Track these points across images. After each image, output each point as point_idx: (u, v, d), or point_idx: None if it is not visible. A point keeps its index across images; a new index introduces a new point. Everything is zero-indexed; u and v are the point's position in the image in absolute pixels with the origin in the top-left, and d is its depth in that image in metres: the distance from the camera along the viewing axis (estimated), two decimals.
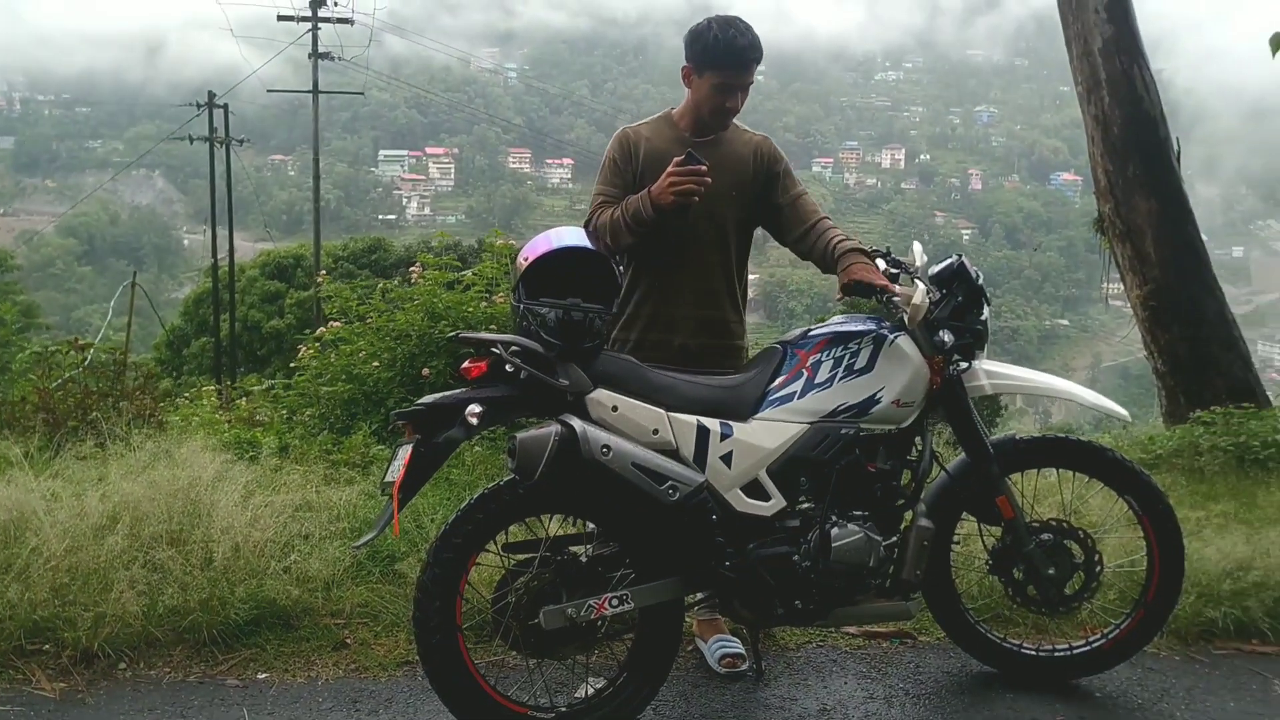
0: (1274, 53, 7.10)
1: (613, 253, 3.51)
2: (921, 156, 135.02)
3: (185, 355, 35.23)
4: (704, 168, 3.34)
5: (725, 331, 3.77)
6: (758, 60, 3.57)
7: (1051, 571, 3.62)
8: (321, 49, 29.28)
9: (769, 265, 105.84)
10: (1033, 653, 3.78)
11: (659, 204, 3.39)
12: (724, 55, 3.51)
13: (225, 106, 29.91)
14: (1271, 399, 7.82)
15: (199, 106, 29.71)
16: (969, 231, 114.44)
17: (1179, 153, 8.25)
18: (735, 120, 3.75)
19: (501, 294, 6.64)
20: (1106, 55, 8.14)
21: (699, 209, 3.48)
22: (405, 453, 3.02)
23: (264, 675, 3.65)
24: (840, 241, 3.60)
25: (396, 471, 3.01)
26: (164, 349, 35.87)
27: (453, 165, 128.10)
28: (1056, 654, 3.77)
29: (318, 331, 7.23)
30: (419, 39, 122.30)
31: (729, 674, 3.72)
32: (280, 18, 29.61)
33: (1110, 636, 3.73)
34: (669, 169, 3.36)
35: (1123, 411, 3.87)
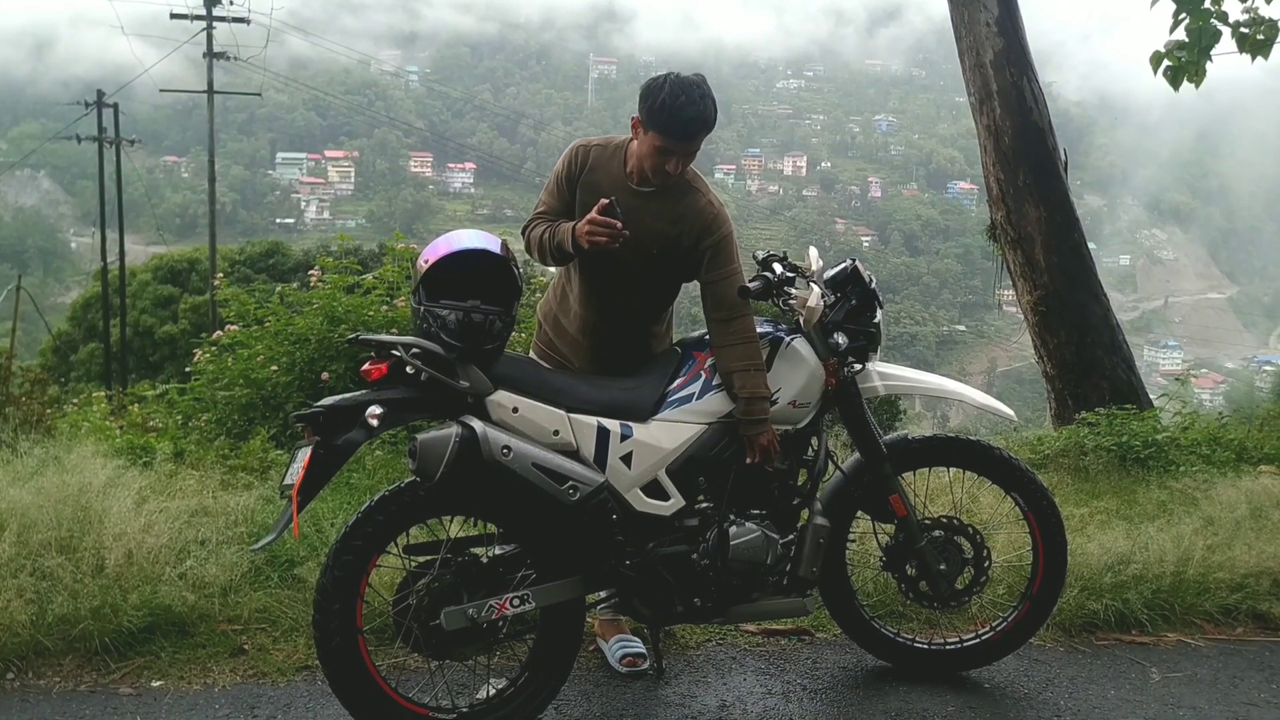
0: (1155, 70, 7.42)
1: (541, 262, 3.66)
2: (822, 164, 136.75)
3: (73, 361, 34.16)
4: (618, 224, 3.31)
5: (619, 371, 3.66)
6: (705, 132, 3.42)
7: (942, 567, 3.74)
8: (218, 48, 28.69)
9: None
10: (925, 646, 3.90)
11: (577, 243, 3.40)
12: (668, 122, 3.34)
13: (115, 106, 29.11)
14: (1156, 401, 8.11)
15: (87, 105, 28.87)
16: (869, 238, 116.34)
17: (1066, 163, 8.53)
18: (698, 179, 3.61)
19: (403, 297, 6.60)
20: (997, 67, 8.38)
21: (620, 252, 3.43)
22: (304, 455, 3.01)
23: (158, 683, 3.59)
24: (732, 369, 3.44)
25: (295, 474, 2.99)
26: (50, 355, 34.74)
27: (353, 169, 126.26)
28: (947, 647, 3.89)
29: (214, 335, 7.10)
30: (319, 40, 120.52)
31: (630, 673, 3.75)
32: (173, 15, 28.92)
33: (998, 629, 3.86)
34: (590, 214, 3.34)
35: (1009, 412, 4.01)
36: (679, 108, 3.32)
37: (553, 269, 3.90)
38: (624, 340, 3.70)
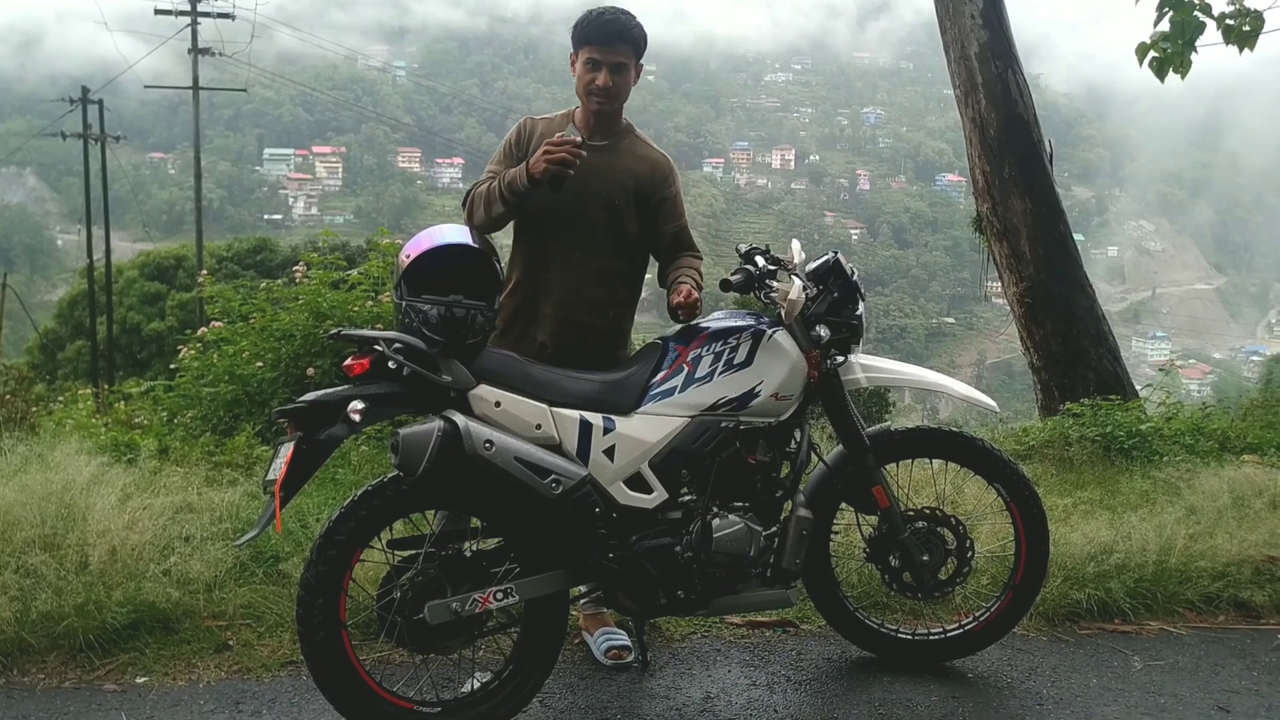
0: (1140, 61, 7.44)
1: (487, 226, 3.57)
2: (811, 157, 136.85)
3: (60, 359, 34.06)
4: (578, 139, 3.40)
5: (591, 337, 3.73)
6: (628, 39, 3.62)
7: (925, 558, 3.75)
8: (203, 44, 28.59)
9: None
10: (909, 637, 3.91)
11: (532, 172, 3.41)
12: (591, 28, 3.59)
13: (100, 102, 28.98)
14: (1141, 392, 8.14)
15: (72, 102, 28.74)
16: (857, 231, 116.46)
17: (1051, 155, 8.56)
18: (642, 133, 3.82)
19: (387, 293, 6.59)
20: (982, 60, 8.41)
21: (575, 210, 3.58)
22: (287, 450, 3.00)
23: (143, 679, 3.59)
24: (675, 270, 3.77)
25: (278, 469, 2.99)
26: (37, 353, 34.61)
27: (340, 164, 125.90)
28: (931, 637, 3.91)
29: (199, 332, 7.09)
30: (306, 35, 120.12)
31: (615, 665, 3.76)
32: (158, 11, 28.82)
33: (981, 619, 3.88)
34: (546, 141, 3.42)
35: (991, 403, 4.02)
36: (599, 14, 3.59)
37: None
38: (597, 310, 3.72)
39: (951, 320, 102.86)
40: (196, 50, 28.35)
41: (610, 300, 3.76)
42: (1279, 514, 5.12)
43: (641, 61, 3.74)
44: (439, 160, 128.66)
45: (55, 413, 7.70)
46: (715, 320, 3.57)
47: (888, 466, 3.78)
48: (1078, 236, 9.12)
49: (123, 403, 8.58)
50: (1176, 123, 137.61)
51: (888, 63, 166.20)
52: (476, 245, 3.27)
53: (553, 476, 3.09)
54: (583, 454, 3.24)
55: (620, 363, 3.60)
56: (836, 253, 3.70)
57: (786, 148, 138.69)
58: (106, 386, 16.21)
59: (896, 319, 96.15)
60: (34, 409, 6.71)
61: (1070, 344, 8.15)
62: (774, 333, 3.51)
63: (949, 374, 4.11)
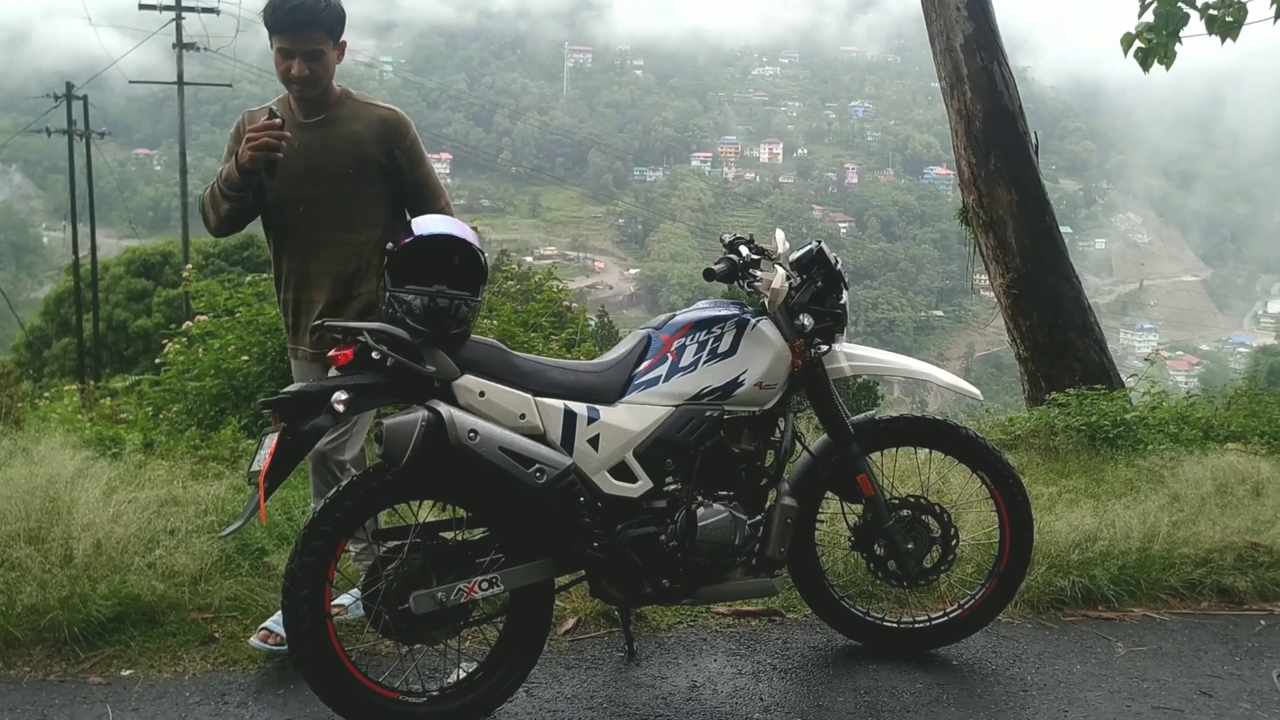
0: (1125, 52, 7.46)
1: (221, 227, 3.61)
2: (799, 151, 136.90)
3: (46, 357, 33.86)
4: (279, 121, 3.35)
5: (348, 314, 3.67)
6: (319, 25, 3.47)
7: (910, 546, 3.77)
8: (188, 39, 28.48)
9: (650, 260, 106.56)
10: (894, 625, 3.93)
11: (241, 165, 3.38)
12: (278, 16, 3.46)
13: (85, 98, 28.86)
14: (1126, 382, 8.17)
15: (56, 98, 28.61)
16: (846, 224, 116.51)
17: (1037, 146, 8.58)
18: (362, 95, 3.74)
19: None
20: (968, 52, 8.42)
21: (310, 192, 3.56)
22: (271, 441, 3.00)
23: (128, 672, 3.58)
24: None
25: (262, 460, 2.99)
26: (23, 350, 34.42)
27: None
28: (916, 625, 3.92)
29: (184, 326, 7.08)
30: None
31: (260, 647, 3.63)
32: (142, 6, 28.69)
33: (966, 607, 3.89)
34: (249, 129, 3.39)
35: (975, 391, 4.04)
36: (281, 2, 3.44)
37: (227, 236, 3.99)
38: (363, 282, 3.65)
39: (940, 313, 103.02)
40: (181, 45, 28.25)
41: (372, 270, 3.60)
42: (1261, 501, 5.15)
43: (344, 39, 3.61)
44: (427, 155, 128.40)
45: (41, 408, 7.67)
46: (699, 309, 3.58)
47: (872, 455, 3.80)
48: (1065, 229, 9.13)
49: (108, 399, 8.56)
50: (1164, 115, 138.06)
51: (875, 56, 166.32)
52: (460, 236, 3.27)
53: (537, 466, 3.10)
54: (567, 443, 3.25)
55: (605, 353, 3.59)
56: (820, 241, 3.71)
57: (774, 142, 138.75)
58: (93, 383, 16.16)
59: (885, 312, 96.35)
60: (19, 404, 6.69)
61: (1056, 335, 8.18)
62: (758, 322, 3.52)
63: (937, 366, 4.12)
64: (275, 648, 3.59)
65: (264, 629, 3.66)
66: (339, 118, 3.63)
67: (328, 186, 3.58)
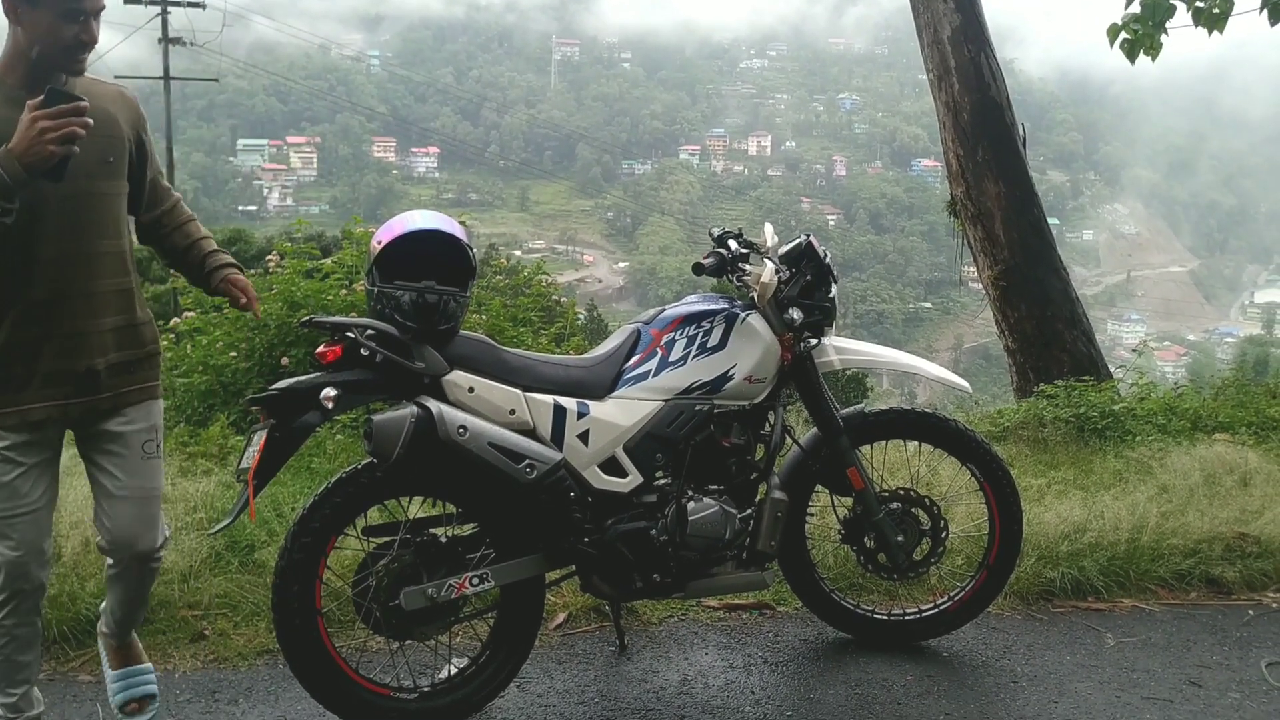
0: (1111, 43, 7.47)
1: None
2: (787, 143, 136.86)
3: None
4: (84, 103, 2.56)
5: (139, 338, 3.02)
6: None
7: (900, 539, 3.78)
8: (174, 33, 28.38)
9: (638, 253, 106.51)
10: (884, 617, 3.94)
11: (30, 162, 2.52)
12: None
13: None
14: (1114, 373, 8.20)
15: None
16: (834, 217, 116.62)
17: (1025, 138, 8.60)
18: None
19: (361, 282, 6.57)
20: (955, 44, 8.43)
21: (66, 188, 2.70)
22: (260, 438, 3.00)
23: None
24: (209, 249, 3.22)
25: (251, 457, 2.98)
26: None
27: (315, 154, 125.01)
28: (907, 618, 3.94)
29: (171, 323, 7.05)
30: (279, 24, 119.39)
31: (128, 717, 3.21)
32: (127, 0, 28.56)
33: (956, 599, 3.91)
34: (27, 116, 2.52)
35: (964, 383, 4.05)
36: None
37: None
38: (116, 309, 2.94)
39: (928, 305, 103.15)
40: (167, 39, 28.20)
41: (127, 291, 2.99)
42: (1249, 491, 5.17)
43: None
44: (414, 149, 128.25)
45: None
46: (688, 304, 3.57)
47: (862, 448, 3.80)
48: (1052, 220, 9.16)
49: None
50: (1151, 107, 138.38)
51: (863, 48, 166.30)
52: (448, 231, 3.26)
53: (527, 461, 3.09)
54: (557, 439, 3.25)
55: (595, 348, 3.59)
56: (809, 235, 3.71)
57: (762, 134, 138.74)
58: None
59: (874, 304, 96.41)
60: None
61: (1045, 326, 8.20)
62: (747, 316, 3.52)
63: (925, 358, 4.13)
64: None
65: (134, 701, 3.20)
66: (80, 92, 2.70)
67: (84, 182, 2.75)
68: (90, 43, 2.74)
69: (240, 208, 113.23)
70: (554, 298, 9.12)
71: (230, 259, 3.27)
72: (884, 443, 3.93)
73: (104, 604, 3.24)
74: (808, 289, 3.62)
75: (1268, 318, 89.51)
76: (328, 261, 6.87)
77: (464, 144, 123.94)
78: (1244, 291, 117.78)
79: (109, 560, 3.06)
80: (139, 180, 3.02)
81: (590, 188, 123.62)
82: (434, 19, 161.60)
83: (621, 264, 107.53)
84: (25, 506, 2.81)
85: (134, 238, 3.14)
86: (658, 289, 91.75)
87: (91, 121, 2.58)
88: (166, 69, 28.01)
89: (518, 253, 66.83)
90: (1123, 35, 7.38)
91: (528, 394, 3.24)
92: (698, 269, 3.50)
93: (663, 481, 3.44)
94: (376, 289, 3.16)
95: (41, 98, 2.53)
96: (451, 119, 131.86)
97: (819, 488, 3.84)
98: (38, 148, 2.52)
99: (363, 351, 3.08)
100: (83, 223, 2.81)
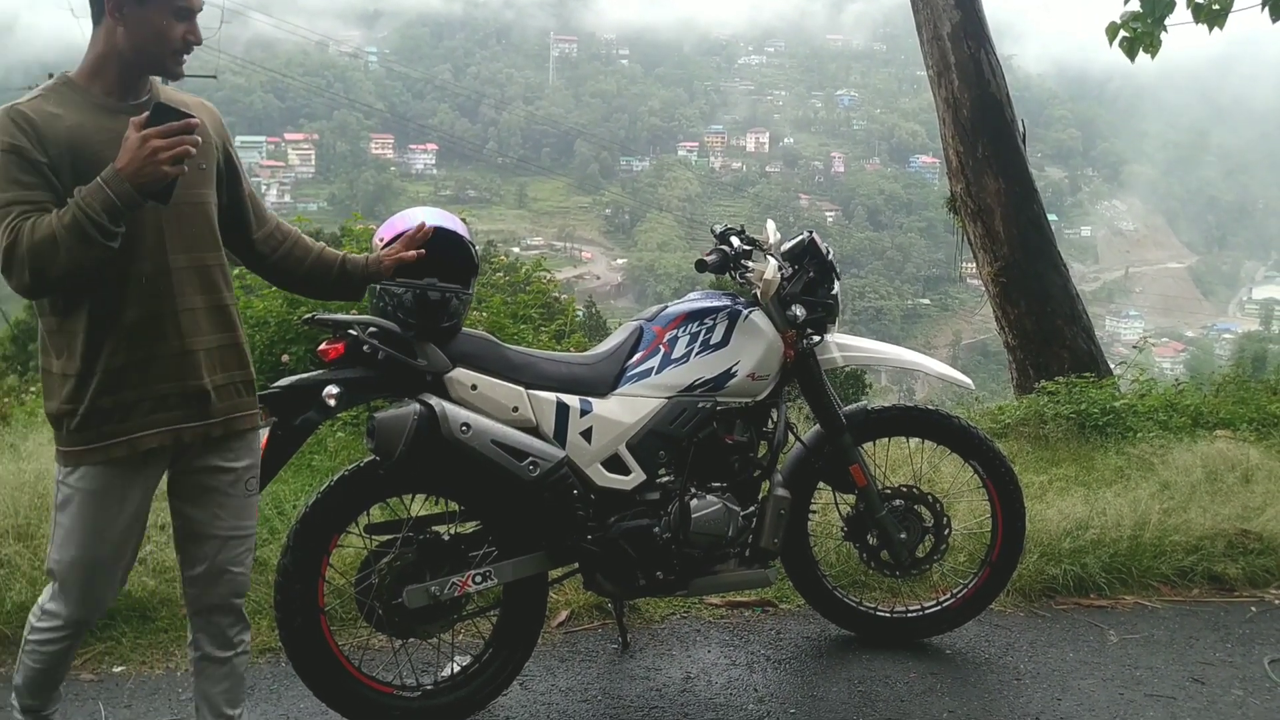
0: (1110, 42, 7.46)
1: (60, 280, 2.39)
2: (785, 140, 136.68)
3: (31, 350, 33.65)
4: (195, 119, 2.38)
5: (242, 359, 2.76)
6: None
7: (903, 536, 3.78)
8: None
9: (637, 250, 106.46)
10: (887, 615, 3.94)
11: (142, 183, 2.32)
12: None
13: None
14: (1115, 370, 8.19)
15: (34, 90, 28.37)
16: (832, 213, 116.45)
17: (1025, 134, 8.59)
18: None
19: None
20: (955, 40, 8.41)
21: (189, 191, 2.55)
22: (262, 436, 2.99)
23: (120, 668, 3.58)
24: (337, 253, 3.03)
25: None
26: (8, 344, 34.19)
27: (313, 151, 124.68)
28: (909, 615, 3.94)
29: None
30: (277, 21, 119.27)
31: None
32: None
33: (959, 595, 3.91)
34: (134, 134, 2.32)
35: (967, 380, 4.04)
36: None
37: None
38: (211, 322, 2.66)
39: (927, 301, 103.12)
40: None
41: (228, 308, 2.72)
42: (1251, 488, 5.17)
43: None
44: (412, 146, 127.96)
45: (27, 403, 7.62)
46: (691, 300, 3.57)
47: (865, 445, 3.80)
48: (1051, 217, 9.14)
49: None
50: (1150, 103, 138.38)
51: (862, 45, 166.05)
52: (450, 228, 3.25)
53: (530, 459, 3.09)
54: (560, 436, 3.24)
55: (597, 346, 3.58)
56: (811, 232, 3.70)
57: (761, 131, 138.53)
58: None
59: (872, 301, 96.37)
60: (6, 400, 6.65)
61: (1045, 323, 8.19)
62: (750, 313, 3.51)
63: (925, 354, 4.13)
64: None
65: None
66: (169, 101, 2.49)
67: (180, 191, 2.46)
68: (196, 43, 2.58)
69: None
70: (554, 294, 9.09)
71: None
72: (886, 440, 3.93)
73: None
74: (810, 286, 3.62)
75: (1265, 314, 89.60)
76: None
77: (462, 141, 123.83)
78: (1242, 287, 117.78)
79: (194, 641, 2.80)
80: (237, 194, 2.80)
81: (588, 184, 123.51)
82: (432, 15, 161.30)
83: (620, 261, 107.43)
84: (108, 556, 2.62)
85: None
86: (656, 286, 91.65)
87: (200, 140, 2.42)
88: None
89: (516, 249, 66.81)
90: (1121, 34, 7.37)
91: (530, 391, 3.24)
92: (700, 266, 3.49)
93: (666, 479, 3.44)
94: (378, 286, 3.15)
95: (147, 115, 2.34)
96: (449, 116, 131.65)
97: (821, 485, 3.85)
98: (150, 169, 2.31)
99: (365, 349, 3.08)
100: (183, 235, 2.59)
